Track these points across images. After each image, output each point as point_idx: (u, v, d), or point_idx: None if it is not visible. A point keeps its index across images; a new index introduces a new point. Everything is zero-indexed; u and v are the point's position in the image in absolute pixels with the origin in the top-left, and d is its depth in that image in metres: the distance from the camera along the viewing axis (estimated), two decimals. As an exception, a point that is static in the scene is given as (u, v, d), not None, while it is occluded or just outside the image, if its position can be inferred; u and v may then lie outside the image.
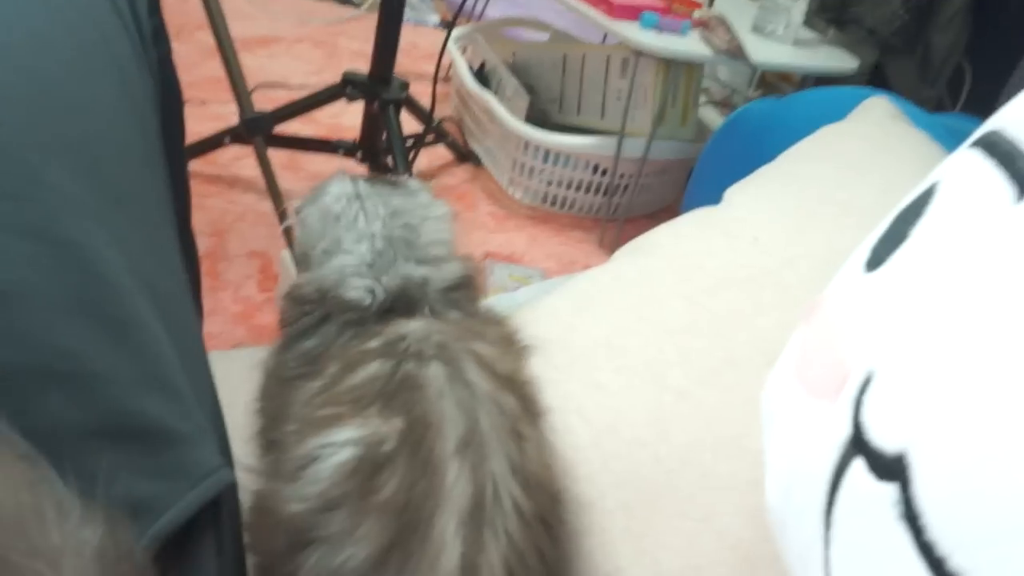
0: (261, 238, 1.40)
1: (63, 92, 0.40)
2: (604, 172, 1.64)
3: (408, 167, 1.37)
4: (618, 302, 0.60)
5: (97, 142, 0.41)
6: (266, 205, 1.40)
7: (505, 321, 0.58)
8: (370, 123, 1.46)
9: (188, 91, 0.58)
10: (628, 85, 1.53)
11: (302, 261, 0.59)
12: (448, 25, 1.55)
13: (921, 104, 1.05)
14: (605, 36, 1.79)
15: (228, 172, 1.55)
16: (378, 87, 1.39)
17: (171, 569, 0.33)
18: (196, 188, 0.62)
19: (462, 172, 1.81)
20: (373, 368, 0.47)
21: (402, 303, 0.53)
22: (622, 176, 1.64)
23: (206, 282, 0.66)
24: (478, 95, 1.74)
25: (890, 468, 0.25)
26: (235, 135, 1.41)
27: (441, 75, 1.54)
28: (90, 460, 0.31)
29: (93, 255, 0.36)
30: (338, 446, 0.43)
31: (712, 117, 1.91)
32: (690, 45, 1.45)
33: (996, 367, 0.22)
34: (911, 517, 0.23)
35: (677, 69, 1.51)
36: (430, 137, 1.66)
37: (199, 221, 0.63)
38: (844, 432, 0.28)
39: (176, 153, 0.55)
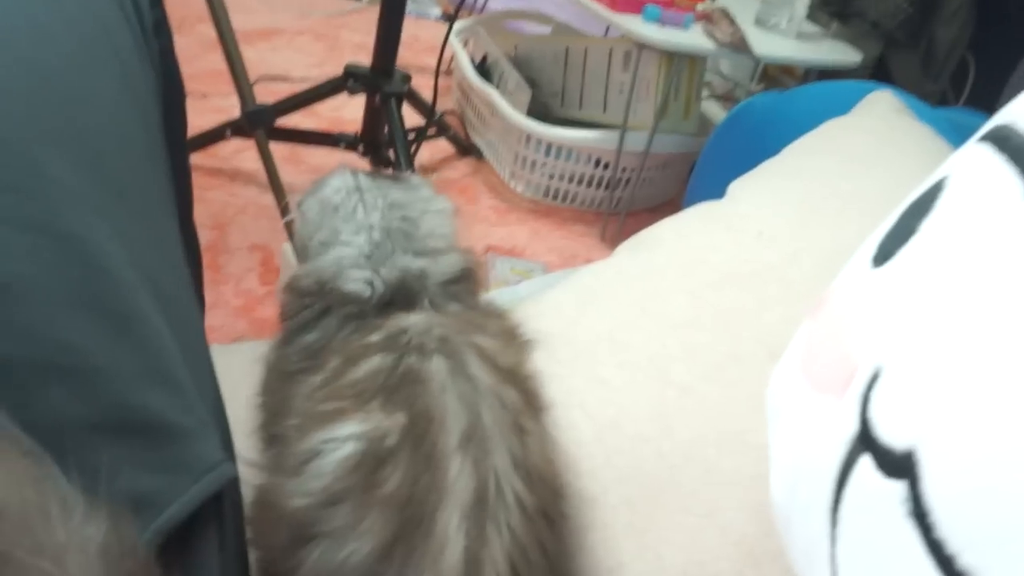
0: (262, 231, 1.40)
1: (64, 84, 0.39)
2: (606, 166, 1.63)
3: (410, 160, 1.37)
4: (621, 297, 0.60)
5: (98, 134, 0.40)
6: (267, 198, 1.40)
7: (506, 315, 0.58)
8: (372, 116, 1.46)
9: (189, 84, 0.57)
10: (631, 78, 1.52)
11: (302, 253, 0.59)
12: (450, 18, 1.54)
13: (924, 98, 1.05)
14: (608, 29, 1.79)
15: (229, 165, 1.55)
16: (380, 80, 1.38)
17: (174, 564, 0.33)
18: (197, 181, 0.62)
19: (464, 166, 1.81)
20: (375, 362, 0.47)
21: (401, 296, 0.53)
22: (624, 170, 1.63)
23: (207, 275, 0.66)
24: (480, 88, 1.74)
25: (898, 465, 0.25)
26: (236, 128, 1.41)
27: (443, 68, 1.54)
28: (92, 454, 0.31)
29: (95, 248, 0.36)
30: (341, 441, 0.43)
31: (714, 111, 1.90)
32: (693, 38, 1.44)
33: (1007, 364, 0.22)
34: (919, 515, 0.23)
35: (680, 62, 1.50)
36: (432, 130, 1.66)
37: (200, 214, 0.63)
38: (851, 428, 0.28)
39: (178, 146, 0.55)
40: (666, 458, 0.49)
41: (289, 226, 0.67)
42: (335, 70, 1.44)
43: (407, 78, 1.41)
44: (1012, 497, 0.21)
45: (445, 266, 0.56)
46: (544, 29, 2.09)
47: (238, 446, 0.46)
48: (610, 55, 1.61)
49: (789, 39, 1.57)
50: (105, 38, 0.44)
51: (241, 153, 1.54)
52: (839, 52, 1.59)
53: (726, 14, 1.46)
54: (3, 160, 0.34)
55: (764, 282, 0.57)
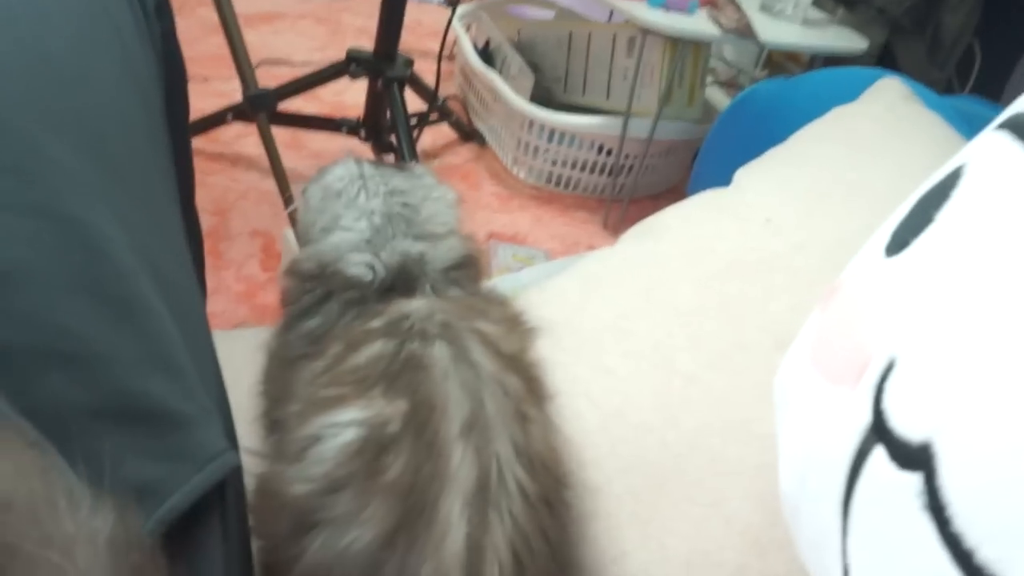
0: (264, 217, 1.39)
1: (64, 66, 0.39)
2: (609, 152, 1.63)
3: (412, 146, 1.36)
4: (627, 285, 0.60)
5: (99, 117, 0.40)
6: (269, 184, 1.39)
7: (509, 301, 0.58)
8: (374, 101, 1.45)
9: (190, 67, 0.57)
10: (634, 64, 1.51)
11: (304, 239, 0.59)
12: (453, 2, 1.53)
13: (930, 85, 1.04)
14: (611, 14, 1.77)
15: (231, 150, 1.54)
16: (383, 64, 1.37)
17: (177, 554, 0.32)
18: (198, 166, 0.61)
19: (466, 151, 1.80)
20: (376, 348, 0.47)
21: (402, 281, 0.53)
22: (627, 156, 1.62)
23: (208, 261, 0.66)
24: (483, 73, 1.73)
25: (913, 457, 0.24)
26: (238, 112, 1.40)
27: (445, 53, 1.53)
28: (94, 442, 0.31)
29: (96, 233, 0.36)
30: (342, 426, 0.43)
31: (718, 97, 1.89)
32: (698, 24, 1.43)
33: (1028, 355, 0.22)
34: (936, 508, 0.23)
35: (684, 48, 1.49)
36: (434, 116, 1.65)
37: (201, 199, 0.62)
38: (864, 419, 0.28)
39: (179, 129, 0.54)
40: (671, 447, 0.49)
41: (292, 216, 0.67)
42: (337, 54, 1.43)
43: (410, 63, 1.40)
44: (1032, 491, 0.20)
45: (446, 251, 0.56)
46: (547, 14, 2.08)
47: (240, 434, 0.46)
48: (614, 40, 1.60)
49: (794, 25, 1.56)
50: (106, 20, 0.44)
51: (243, 138, 1.53)
52: (845, 39, 1.58)
53: (731, 0, 1.45)
54: (3, 142, 0.34)
55: (770, 271, 0.57)
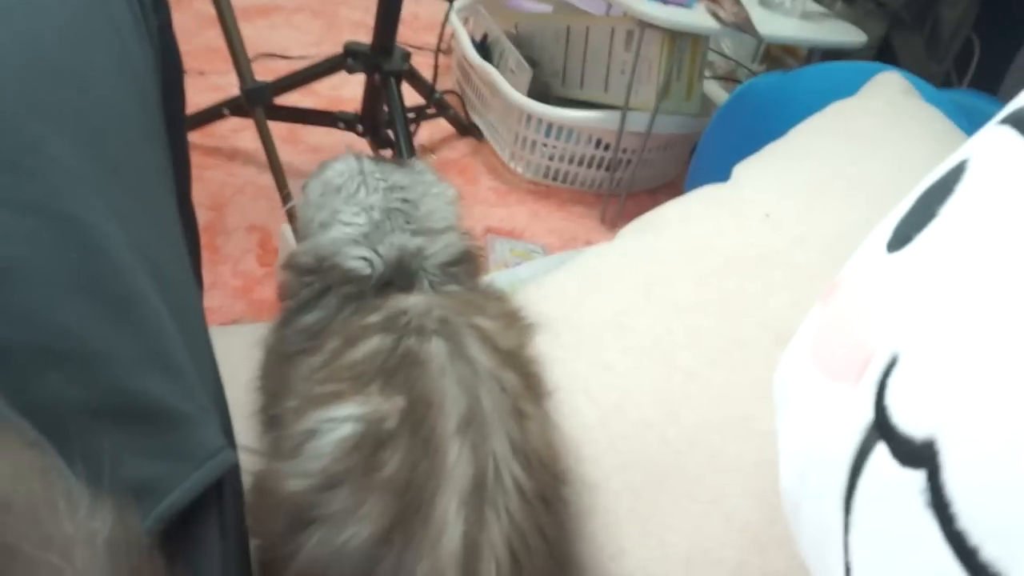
0: (261, 211, 1.39)
1: (60, 59, 0.38)
2: (607, 147, 1.62)
3: (409, 141, 1.35)
4: (626, 280, 0.59)
5: (96, 111, 0.39)
6: (266, 178, 1.38)
7: (507, 297, 0.58)
8: (371, 95, 1.44)
9: (186, 61, 0.56)
10: (632, 58, 1.51)
11: (303, 233, 0.59)
12: (450, -4, 1.52)
13: (928, 79, 1.04)
14: (609, 7, 1.77)
15: (227, 144, 1.53)
16: (380, 58, 1.36)
17: (175, 552, 0.32)
18: (195, 160, 0.61)
19: (463, 146, 1.80)
20: (374, 343, 0.47)
21: (400, 276, 0.53)
22: (625, 151, 1.62)
23: (205, 256, 0.66)
24: (480, 67, 1.72)
25: (916, 455, 0.24)
26: (234, 106, 1.39)
27: (442, 47, 1.52)
28: (92, 441, 0.31)
29: (93, 230, 0.35)
30: (339, 421, 0.43)
31: (715, 91, 1.89)
32: (697, 17, 1.42)
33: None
34: (939, 506, 0.23)
35: (683, 42, 1.49)
36: (431, 110, 1.64)
37: (198, 194, 0.62)
38: (866, 416, 0.27)
39: (176, 124, 0.54)
40: (670, 444, 0.49)
41: (291, 212, 0.67)
42: (334, 48, 1.42)
43: (407, 56, 1.39)
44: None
45: (444, 247, 0.56)
46: (545, 7, 2.07)
47: (237, 430, 0.46)
48: (612, 34, 1.59)
49: (793, 19, 1.55)
50: (102, 13, 0.43)
51: (239, 132, 1.53)
52: (843, 32, 1.58)
53: (730, -7, 1.44)
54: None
55: (770, 266, 0.57)
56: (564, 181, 1.70)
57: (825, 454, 0.30)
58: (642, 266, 0.60)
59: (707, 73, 1.88)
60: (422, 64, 1.55)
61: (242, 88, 1.31)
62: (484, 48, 1.84)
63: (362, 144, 1.48)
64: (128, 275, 0.36)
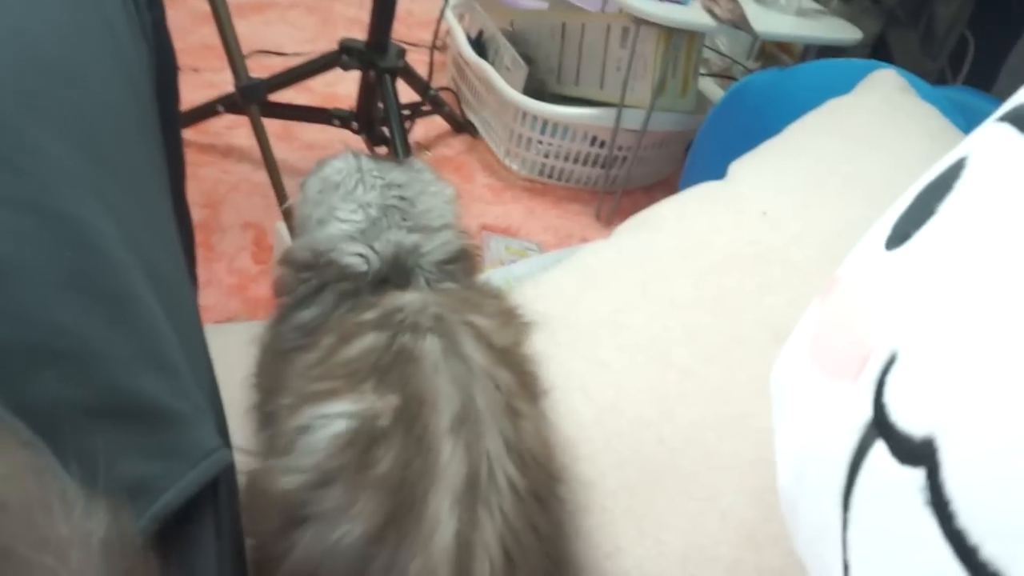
0: (256, 209, 1.38)
1: (54, 56, 0.38)
2: (602, 144, 1.62)
3: (404, 138, 1.35)
4: (622, 278, 0.59)
5: (90, 109, 0.39)
6: (261, 175, 1.38)
7: (503, 295, 0.58)
8: (366, 92, 1.44)
9: (180, 58, 0.56)
10: (628, 55, 1.51)
11: (301, 230, 0.59)
12: (445, -8, 1.52)
13: (923, 76, 1.04)
14: (605, 4, 1.76)
15: (222, 141, 1.53)
16: (375, 55, 1.36)
17: (170, 551, 0.32)
18: (189, 158, 0.61)
19: (459, 143, 1.79)
20: (368, 340, 0.47)
21: (396, 272, 0.53)
22: (620, 148, 1.62)
23: (200, 254, 0.65)
24: (475, 64, 1.72)
25: (916, 453, 0.24)
26: (229, 103, 1.39)
27: (438, 43, 1.52)
28: (87, 440, 0.31)
29: (88, 228, 0.35)
30: (333, 417, 0.43)
31: (711, 88, 1.88)
32: (692, 14, 1.42)
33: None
34: (939, 504, 0.22)
35: (678, 39, 1.48)
36: (426, 107, 1.64)
37: (192, 191, 0.62)
38: (865, 414, 0.27)
39: (170, 121, 0.54)
40: (666, 442, 0.48)
41: (287, 212, 0.67)
42: (328, 45, 1.42)
43: (402, 53, 1.39)
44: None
45: (440, 244, 0.56)
46: (541, 4, 2.06)
47: (232, 428, 0.46)
48: (608, 31, 1.59)
49: (789, 16, 1.55)
50: (96, 10, 0.43)
51: (233, 129, 1.52)
52: (839, 29, 1.58)
53: (725, -10, 1.44)
54: None
55: (767, 264, 0.57)
56: (559, 178, 1.70)
57: (823, 452, 0.30)
58: (638, 263, 0.60)
59: (703, 70, 1.88)
60: (417, 61, 1.55)
61: (237, 85, 1.31)
62: (479, 45, 1.83)
63: (357, 141, 1.48)
64: (123, 273, 0.36)
